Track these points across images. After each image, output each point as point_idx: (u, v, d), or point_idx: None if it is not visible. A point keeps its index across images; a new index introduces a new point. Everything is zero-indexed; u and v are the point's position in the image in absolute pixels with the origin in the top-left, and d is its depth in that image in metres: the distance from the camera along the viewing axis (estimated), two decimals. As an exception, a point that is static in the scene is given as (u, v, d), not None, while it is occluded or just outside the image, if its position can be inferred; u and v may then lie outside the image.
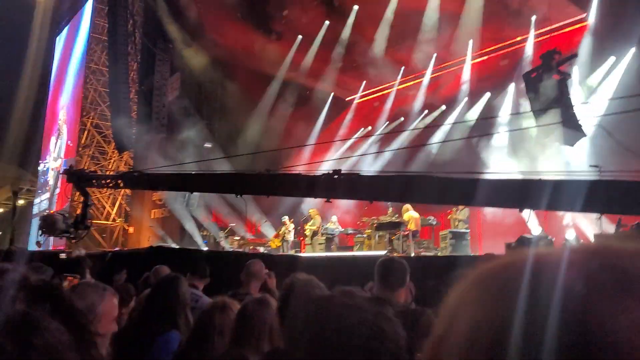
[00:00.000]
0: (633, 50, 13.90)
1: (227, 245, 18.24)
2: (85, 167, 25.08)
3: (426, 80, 19.65)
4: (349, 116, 22.46)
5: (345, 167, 9.84)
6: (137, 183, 12.36)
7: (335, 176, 8.21)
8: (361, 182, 8.61)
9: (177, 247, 16.22)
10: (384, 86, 21.34)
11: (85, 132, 25.66)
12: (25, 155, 27.44)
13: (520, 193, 6.89)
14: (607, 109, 11.63)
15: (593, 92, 14.31)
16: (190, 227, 19.59)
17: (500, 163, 14.68)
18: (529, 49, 16.46)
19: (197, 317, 2.93)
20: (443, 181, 8.53)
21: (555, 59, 8.28)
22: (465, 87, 18.44)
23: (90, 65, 25.72)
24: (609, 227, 10.23)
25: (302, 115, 20.88)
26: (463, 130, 17.07)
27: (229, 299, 2.86)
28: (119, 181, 11.49)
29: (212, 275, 5.32)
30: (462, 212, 14.54)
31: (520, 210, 7.68)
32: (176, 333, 2.97)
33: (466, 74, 18.42)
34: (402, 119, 20.41)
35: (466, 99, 18.31)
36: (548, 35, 16.00)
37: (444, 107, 19.03)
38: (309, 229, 16.72)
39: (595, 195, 6.19)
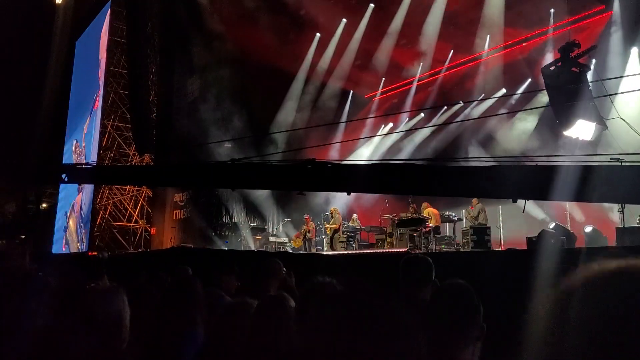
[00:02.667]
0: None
1: (249, 244, 18.36)
2: (108, 170, 25.37)
3: (443, 76, 19.60)
4: (370, 113, 22.41)
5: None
6: (83, 177, 11.13)
7: (309, 166, 7.59)
8: (336, 172, 7.96)
9: (200, 247, 16.33)
10: (402, 83, 21.28)
11: (107, 135, 25.93)
12: (48, 158, 27.77)
13: (530, 182, 6.56)
14: (627, 101, 11.49)
15: (613, 84, 14.12)
16: (209, 227, 19.73)
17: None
18: (547, 42, 16.33)
19: (217, 317, 2.94)
20: (429, 169, 8.15)
21: (574, 52, 8.20)
22: (482, 83, 18.35)
23: (110, 69, 25.97)
24: (632, 220, 10.10)
25: (323, 114, 20.92)
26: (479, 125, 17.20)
27: (249, 298, 2.87)
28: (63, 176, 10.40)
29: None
30: (476, 209, 14.46)
31: (514, 200, 7.40)
32: (198, 331, 2.99)
33: (483, 69, 18.35)
34: (423, 115, 20.39)
35: (483, 95, 18.24)
36: (567, 28, 15.82)
37: (461, 103, 18.95)
38: (330, 227, 16.74)
39: (615, 183, 6.01)
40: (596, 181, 5.86)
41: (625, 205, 9.88)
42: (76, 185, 25.90)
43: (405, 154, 19.23)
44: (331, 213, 16.99)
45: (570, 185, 5.82)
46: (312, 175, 7.60)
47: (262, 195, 19.74)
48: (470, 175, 7.21)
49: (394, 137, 20.75)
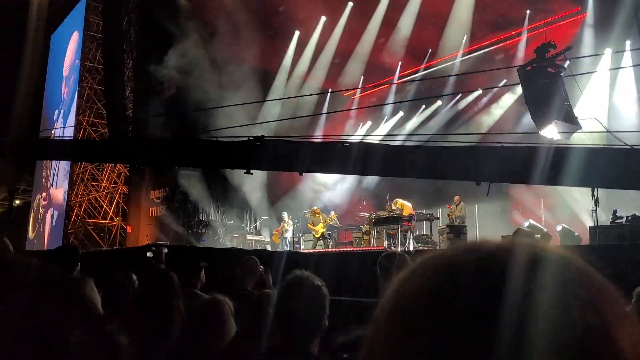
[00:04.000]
0: (629, 42, 13.92)
1: (225, 242, 18.25)
2: (82, 166, 25.09)
3: (421, 75, 19.70)
4: (349, 112, 22.39)
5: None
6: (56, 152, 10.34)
7: (258, 143, 7.31)
8: (287, 150, 7.60)
9: (175, 244, 16.21)
10: (381, 82, 21.31)
11: (82, 131, 25.61)
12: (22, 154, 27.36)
13: (493, 164, 6.35)
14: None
15: (588, 84, 14.37)
16: (186, 225, 19.60)
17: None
18: (523, 43, 16.54)
19: (190, 315, 2.90)
20: (387, 149, 7.89)
21: (549, 52, 8.27)
22: (459, 83, 18.52)
23: (85, 64, 25.66)
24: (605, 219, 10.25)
25: (302, 112, 20.89)
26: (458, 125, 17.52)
27: (222, 296, 2.83)
28: None
29: (209, 272, 5.30)
30: (458, 208, 14.62)
31: (477, 183, 7.25)
32: (173, 327, 2.94)
33: (459, 70, 18.54)
34: (402, 114, 20.44)
35: (460, 94, 18.43)
36: (543, 29, 16.01)
37: (439, 103, 19.11)
38: (319, 230, 16.33)
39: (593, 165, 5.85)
40: (567, 164, 5.82)
41: (598, 204, 10.04)
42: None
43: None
44: (315, 212, 16.75)
45: (537, 167, 5.75)
46: (261, 152, 7.29)
47: (240, 193, 19.72)
48: (429, 155, 7.07)
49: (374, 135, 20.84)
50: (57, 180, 27.10)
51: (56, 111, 27.96)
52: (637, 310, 3.05)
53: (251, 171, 8.18)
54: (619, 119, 13.36)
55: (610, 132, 8.10)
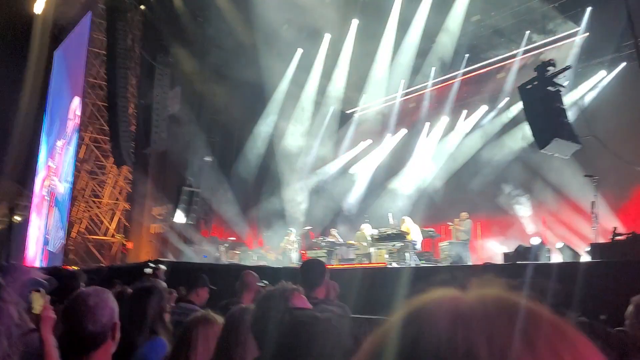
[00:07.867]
0: (624, 64, 14.04)
1: (226, 258, 18.19)
2: (84, 182, 25.15)
3: (427, 93, 19.82)
4: (350, 129, 22.46)
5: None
6: None
7: None
8: None
9: (176, 261, 16.17)
10: (385, 99, 21.39)
11: (84, 147, 25.67)
12: (22, 171, 27.42)
13: None
14: (597, 121, 11.85)
15: (582, 104, 14.59)
16: (187, 241, 19.58)
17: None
18: (522, 62, 16.74)
19: (179, 331, 2.89)
20: None
21: (549, 71, 8.33)
22: (462, 100, 18.70)
23: (88, 80, 25.75)
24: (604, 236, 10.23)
25: (302, 128, 21.02)
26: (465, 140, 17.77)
27: (212, 312, 2.82)
28: None
29: (210, 288, 5.30)
30: (464, 223, 14.52)
31: None
32: (162, 339, 2.93)
33: (460, 87, 18.77)
34: (406, 130, 20.52)
35: (465, 111, 18.55)
36: (542, 49, 16.13)
37: (447, 119, 19.17)
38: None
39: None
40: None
41: (598, 222, 10.08)
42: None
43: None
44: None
45: None
46: None
47: (242, 210, 19.77)
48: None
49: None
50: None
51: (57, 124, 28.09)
52: (637, 316, 3.16)
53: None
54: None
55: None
